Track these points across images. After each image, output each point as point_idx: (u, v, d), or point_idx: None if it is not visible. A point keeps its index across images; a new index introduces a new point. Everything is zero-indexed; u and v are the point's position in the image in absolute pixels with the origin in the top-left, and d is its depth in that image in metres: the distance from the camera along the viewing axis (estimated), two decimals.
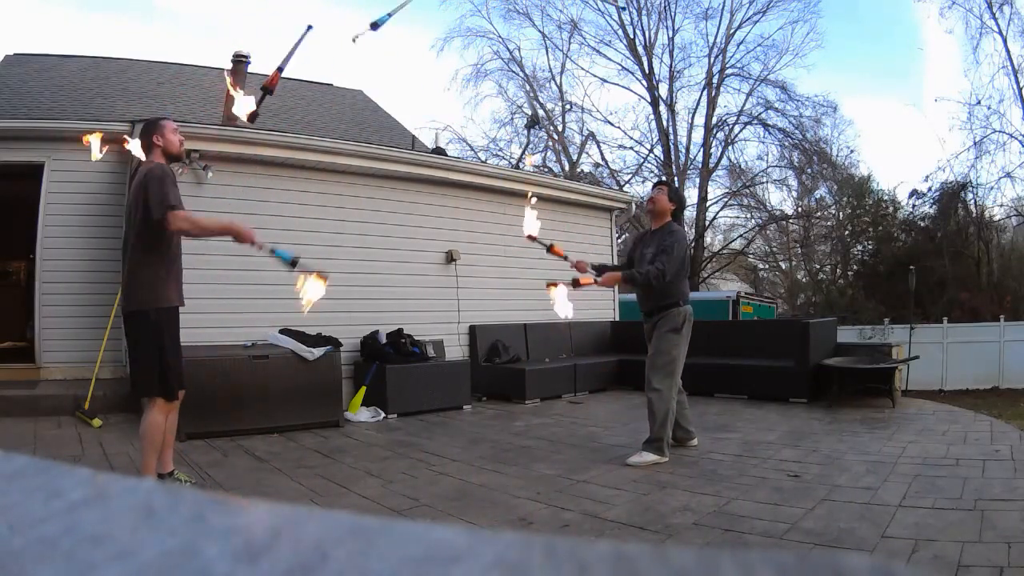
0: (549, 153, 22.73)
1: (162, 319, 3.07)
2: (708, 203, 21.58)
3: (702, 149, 21.46)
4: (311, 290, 2.95)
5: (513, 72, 23.32)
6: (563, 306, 3.66)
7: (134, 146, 3.09)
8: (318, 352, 5.18)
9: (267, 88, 3.10)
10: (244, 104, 3.13)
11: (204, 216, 3.02)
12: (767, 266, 24.81)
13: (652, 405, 3.85)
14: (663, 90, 21.79)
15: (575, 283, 3.74)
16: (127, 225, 3.15)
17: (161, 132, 3.16)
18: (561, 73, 23.08)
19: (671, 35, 21.58)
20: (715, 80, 21.10)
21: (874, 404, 5.60)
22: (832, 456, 3.78)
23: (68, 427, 4.78)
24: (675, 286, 3.93)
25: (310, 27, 3.32)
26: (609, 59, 23.11)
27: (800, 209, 22.49)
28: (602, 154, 22.57)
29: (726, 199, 22.12)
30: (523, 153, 19.23)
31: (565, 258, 3.94)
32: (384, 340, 5.96)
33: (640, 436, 3.96)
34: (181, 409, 4.64)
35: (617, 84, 22.83)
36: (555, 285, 3.70)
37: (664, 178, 19.22)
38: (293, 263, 3.00)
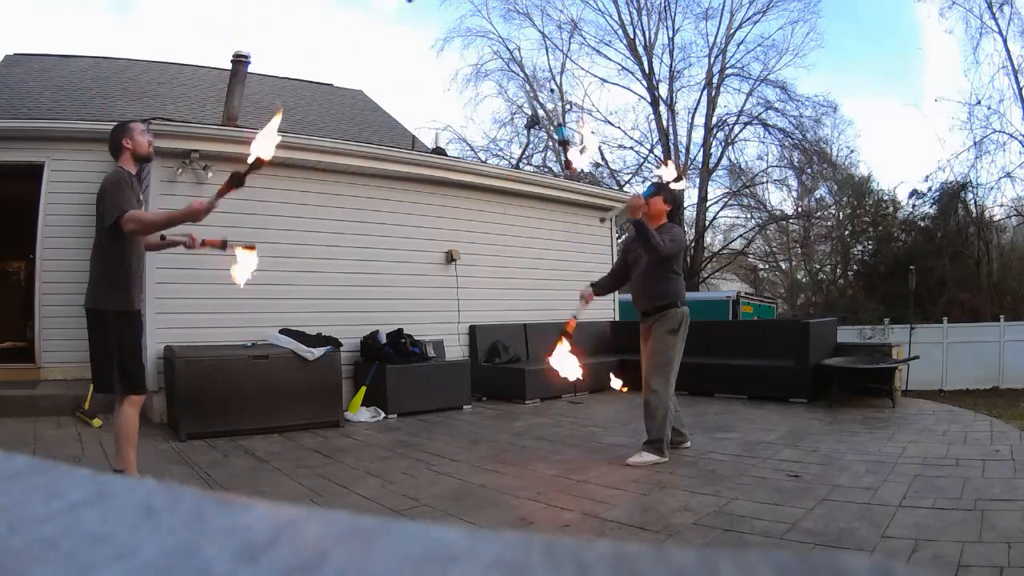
0: (549, 153, 22.72)
1: (121, 321, 3.12)
2: (708, 203, 21.62)
3: (702, 149, 21.50)
4: (245, 263, 3.01)
5: (513, 72, 23.35)
6: (570, 368, 3.45)
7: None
8: (318, 352, 5.18)
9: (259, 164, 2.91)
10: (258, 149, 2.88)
11: (152, 212, 3.03)
12: (767, 266, 24.81)
13: (650, 406, 3.85)
14: (663, 90, 21.83)
15: (565, 333, 3.50)
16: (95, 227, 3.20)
17: (130, 135, 3.21)
18: (561, 73, 23.11)
19: (671, 35, 21.62)
20: (715, 80, 21.12)
21: (874, 404, 5.60)
22: (832, 456, 3.78)
23: (68, 427, 4.78)
24: (672, 286, 3.93)
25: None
26: (609, 59, 23.20)
27: (800, 209, 22.50)
28: (602, 154, 22.57)
29: (726, 199, 22.15)
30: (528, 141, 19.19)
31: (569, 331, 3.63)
32: (384, 340, 5.96)
33: (640, 436, 3.96)
34: (181, 409, 4.66)
35: (617, 84, 22.90)
36: (555, 350, 3.47)
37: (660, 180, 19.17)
38: (223, 245, 3.20)
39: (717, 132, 21.46)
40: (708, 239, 22.33)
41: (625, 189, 18.63)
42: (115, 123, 3.41)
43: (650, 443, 3.81)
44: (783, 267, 24.72)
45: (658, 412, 3.81)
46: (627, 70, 22.40)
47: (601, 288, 4.26)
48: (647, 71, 21.85)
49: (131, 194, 3.06)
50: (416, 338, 6.15)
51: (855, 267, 21.14)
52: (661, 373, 3.86)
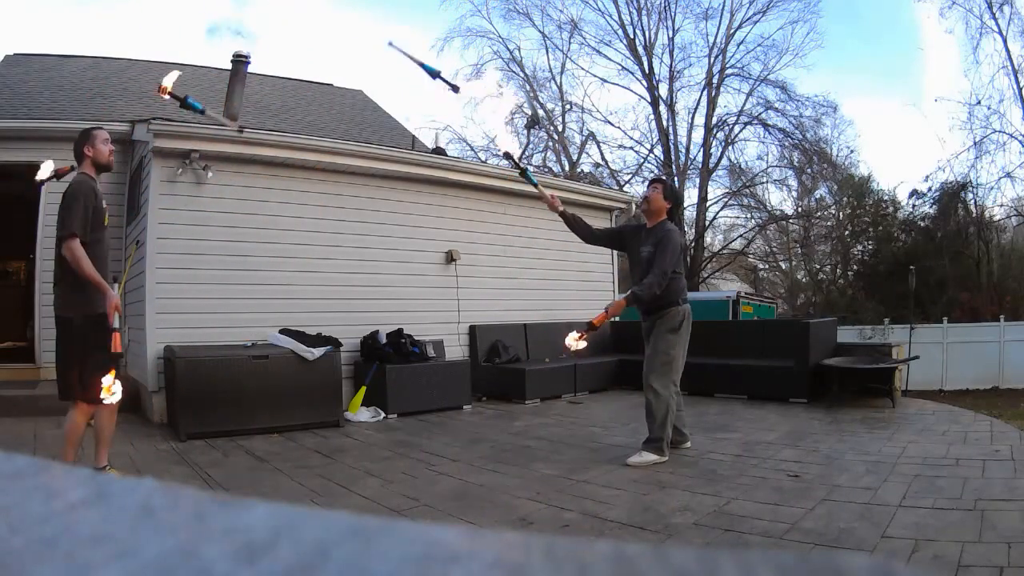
0: (549, 153, 22.73)
1: (87, 326, 3.13)
2: (708, 203, 21.60)
3: (702, 149, 21.47)
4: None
5: (513, 72, 23.33)
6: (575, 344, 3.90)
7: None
8: (318, 352, 5.18)
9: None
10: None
11: (90, 265, 3.13)
12: (767, 266, 24.81)
13: (651, 405, 3.85)
14: (663, 90, 21.81)
15: (590, 326, 3.84)
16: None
17: (92, 143, 3.24)
18: (561, 73, 23.11)
19: (671, 35, 21.59)
20: (715, 80, 21.10)
21: (874, 404, 5.60)
22: (832, 456, 3.78)
23: None
24: (673, 285, 3.93)
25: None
26: (609, 59, 23.16)
27: (800, 209, 22.50)
28: (602, 154, 22.60)
29: (726, 199, 22.13)
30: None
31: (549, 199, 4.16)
32: (384, 340, 5.96)
33: (640, 436, 3.96)
34: (181, 409, 4.66)
35: (617, 84, 22.86)
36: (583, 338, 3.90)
37: (662, 176, 19.23)
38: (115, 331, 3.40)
39: (717, 132, 21.46)
40: (708, 239, 22.34)
41: (625, 189, 18.64)
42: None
43: (650, 442, 3.81)
44: (783, 267, 24.73)
45: (659, 411, 3.81)
46: (627, 70, 22.41)
47: (573, 220, 4.23)
48: (647, 71, 21.86)
49: (87, 210, 3.11)
50: (416, 338, 6.15)
51: (855, 267, 21.14)
52: (662, 372, 3.86)
